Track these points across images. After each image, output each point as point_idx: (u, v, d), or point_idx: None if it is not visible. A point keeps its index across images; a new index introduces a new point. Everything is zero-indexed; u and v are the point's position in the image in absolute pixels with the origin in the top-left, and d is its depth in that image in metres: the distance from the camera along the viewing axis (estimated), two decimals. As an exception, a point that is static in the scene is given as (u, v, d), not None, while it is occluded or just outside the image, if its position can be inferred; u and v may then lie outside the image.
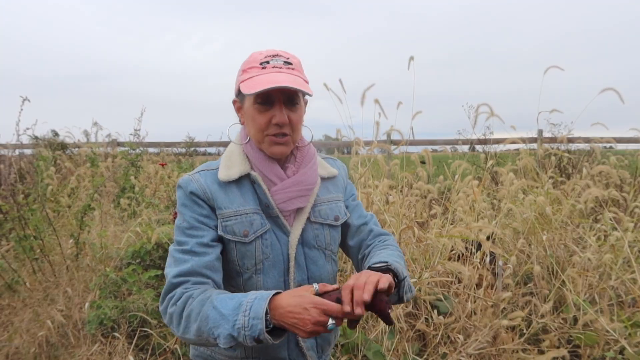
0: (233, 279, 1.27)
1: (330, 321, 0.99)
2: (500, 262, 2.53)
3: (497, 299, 2.45)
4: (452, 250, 2.56)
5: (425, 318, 2.44)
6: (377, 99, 2.72)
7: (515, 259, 2.63)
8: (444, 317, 2.40)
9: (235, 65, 1.34)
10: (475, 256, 2.54)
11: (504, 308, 2.49)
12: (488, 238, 2.62)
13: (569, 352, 2.28)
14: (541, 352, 2.40)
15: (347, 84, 2.83)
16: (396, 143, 3.27)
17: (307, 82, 1.23)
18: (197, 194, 1.23)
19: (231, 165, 1.27)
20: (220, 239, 1.23)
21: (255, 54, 1.24)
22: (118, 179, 5.13)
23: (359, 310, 1.00)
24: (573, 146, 6.26)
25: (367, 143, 3.11)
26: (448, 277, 2.44)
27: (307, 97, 1.30)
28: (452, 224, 2.83)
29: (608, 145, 5.81)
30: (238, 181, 1.26)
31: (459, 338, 2.29)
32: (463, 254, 2.56)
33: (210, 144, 8.04)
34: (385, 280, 1.04)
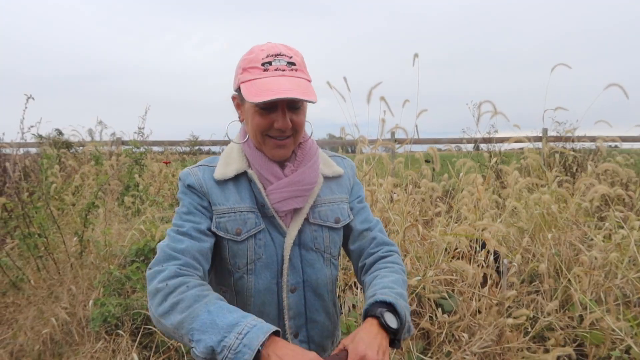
0: (224, 278, 1.25)
1: None
2: (505, 261, 2.52)
3: (502, 297, 2.44)
4: (456, 249, 2.54)
5: (430, 316, 2.42)
6: (383, 96, 2.71)
7: (520, 257, 2.61)
8: (449, 316, 2.38)
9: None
10: (479, 254, 2.52)
11: (509, 306, 2.47)
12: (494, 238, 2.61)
13: (574, 350, 2.26)
14: (546, 351, 2.39)
15: (349, 83, 2.82)
16: (400, 142, 3.26)
17: (310, 81, 1.20)
18: (194, 187, 1.22)
19: (229, 163, 1.25)
20: (214, 234, 1.21)
21: (256, 49, 1.19)
22: (122, 177, 5.13)
23: None
24: (578, 145, 6.22)
25: (372, 142, 3.10)
26: (452, 275, 2.43)
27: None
28: (456, 222, 2.81)
29: (613, 144, 5.77)
30: (236, 179, 1.24)
31: (463, 336, 2.27)
32: (467, 253, 2.55)
33: (214, 143, 8.05)
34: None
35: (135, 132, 5.86)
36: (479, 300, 2.44)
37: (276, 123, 1.16)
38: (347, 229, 1.36)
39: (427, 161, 3.53)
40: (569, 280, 2.65)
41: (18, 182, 4.26)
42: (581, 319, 2.58)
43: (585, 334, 2.47)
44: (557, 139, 6.38)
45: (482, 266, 2.52)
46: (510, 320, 2.26)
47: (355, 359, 1.00)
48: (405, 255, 2.42)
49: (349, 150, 6.42)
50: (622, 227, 3.06)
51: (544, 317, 2.48)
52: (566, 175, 4.64)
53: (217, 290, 1.24)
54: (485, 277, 2.51)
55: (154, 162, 5.97)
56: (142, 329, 2.84)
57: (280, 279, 1.25)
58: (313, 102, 1.14)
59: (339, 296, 2.60)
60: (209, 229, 1.19)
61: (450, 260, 2.39)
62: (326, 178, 1.33)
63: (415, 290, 2.33)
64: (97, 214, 3.92)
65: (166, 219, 3.93)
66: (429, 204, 3.54)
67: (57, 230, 3.67)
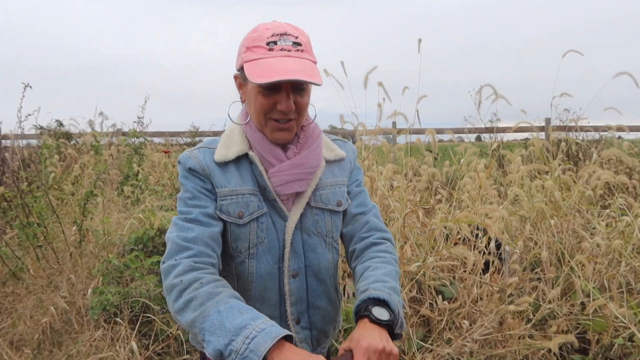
0: (226, 263, 1.22)
1: None
2: (507, 247, 2.49)
3: (503, 284, 2.41)
4: (457, 235, 2.51)
5: (430, 303, 2.40)
6: (381, 82, 2.66)
7: (522, 244, 2.58)
8: (449, 303, 2.36)
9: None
10: (481, 241, 2.49)
11: (511, 294, 2.45)
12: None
13: (576, 338, 2.23)
14: (548, 338, 2.36)
15: (353, 74, 2.77)
16: (401, 131, 3.21)
17: (315, 63, 1.16)
18: (196, 170, 1.18)
19: (230, 145, 1.22)
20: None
21: (261, 27, 1.15)
22: (122, 167, 5.12)
23: None
24: (582, 135, 6.17)
25: (370, 132, 3.05)
26: (453, 262, 2.40)
27: None
28: (458, 210, 2.78)
29: (617, 134, 5.72)
30: (237, 161, 1.21)
31: (464, 324, 2.25)
32: (469, 239, 2.51)
33: (215, 134, 8.02)
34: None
35: (134, 122, 5.82)
36: (480, 287, 2.41)
37: (279, 105, 1.13)
38: (342, 212, 1.32)
39: (428, 151, 3.50)
40: (572, 268, 2.62)
41: (17, 172, 4.25)
42: (583, 306, 2.55)
43: (587, 322, 2.44)
44: (561, 128, 6.32)
45: (484, 253, 2.49)
46: (511, 307, 2.23)
47: (361, 352, 0.98)
48: (405, 242, 2.39)
49: (349, 140, 6.35)
50: (626, 215, 3.02)
51: (546, 304, 2.45)
52: (569, 163, 4.60)
53: (220, 275, 1.23)
54: (486, 264, 2.48)
55: (155, 152, 5.95)
56: (140, 317, 2.83)
57: (281, 264, 1.22)
58: (319, 85, 1.11)
59: (339, 283, 2.58)
60: (216, 212, 1.16)
61: (452, 247, 2.36)
62: (328, 162, 1.30)
63: (415, 277, 2.30)
64: (96, 203, 3.90)
65: (165, 207, 3.91)
66: (430, 194, 3.52)
67: (56, 219, 3.65)
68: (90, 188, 3.37)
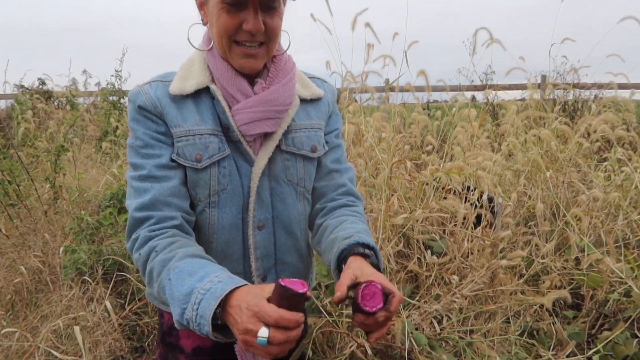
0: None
1: (262, 333, 0.74)
2: (500, 200, 2.34)
3: (495, 238, 2.28)
4: (448, 187, 2.36)
5: (418, 258, 2.27)
6: (368, 22, 2.44)
7: (516, 196, 2.44)
8: (438, 258, 2.22)
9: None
10: (472, 194, 2.34)
11: (503, 248, 2.32)
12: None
13: (570, 294, 2.12)
14: (541, 294, 2.26)
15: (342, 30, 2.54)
16: (393, 89, 3.00)
17: None
18: (147, 109, 1.01)
19: (188, 77, 1.03)
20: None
21: None
22: (100, 123, 4.90)
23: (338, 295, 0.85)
24: (580, 92, 5.96)
25: (362, 90, 2.85)
26: (443, 215, 2.26)
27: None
28: (449, 162, 2.62)
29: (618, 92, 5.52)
30: (196, 96, 1.03)
31: (454, 279, 2.13)
32: (460, 192, 2.37)
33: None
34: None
35: (111, 75, 5.55)
36: (471, 241, 2.28)
37: (245, 24, 0.95)
38: (317, 161, 1.16)
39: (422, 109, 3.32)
40: (566, 222, 2.50)
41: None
42: (578, 261, 2.44)
43: (582, 277, 2.33)
44: (558, 86, 6.11)
45: (475, 206, 2.35)
46: (503, 262, 2.10)
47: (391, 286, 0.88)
48: (392, 194, 2.23)
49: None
50: (623, 169, 2.89)
51: (539, 259, 2.33)
52: (566, 116, 4.43)
53: None
54: (478, 217, 2.34)
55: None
56: (115, 276, 2.70)
57: (246, 214, 1.06)
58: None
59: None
60: (175, 160, 1.01)
61: (442, 199, 2.21)
62: (303, 101, 1.12)
63: (402, 231, 2.16)
64: (69, 159, 3.71)
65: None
66: (421, 149, 3.36)
67: (28, 177, 3.48)
68: (61, 142, 3.17)
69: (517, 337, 2.05)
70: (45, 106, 5.02)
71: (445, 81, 3.13)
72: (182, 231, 1.00)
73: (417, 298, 2.17)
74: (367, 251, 0.97)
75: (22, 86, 7.30)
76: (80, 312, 2.60)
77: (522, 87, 5.74)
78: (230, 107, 1.03)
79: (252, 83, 1.04)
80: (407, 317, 1.90)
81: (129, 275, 2.66)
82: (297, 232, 1.14)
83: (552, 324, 2.18)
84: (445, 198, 2.39)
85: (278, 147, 1.07)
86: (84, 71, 7.81)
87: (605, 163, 3.14)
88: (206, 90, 1.04)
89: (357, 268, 0.91)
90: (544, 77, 6.49)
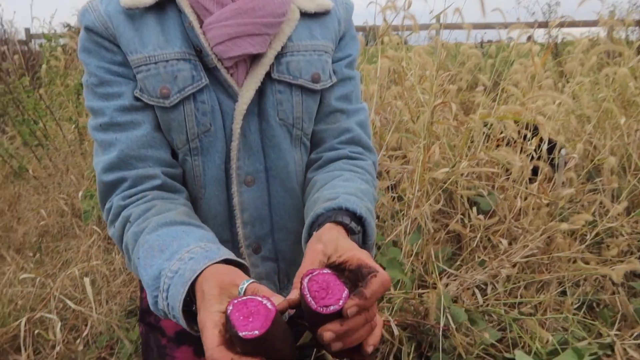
0: None
1: None
2: (563, 151, 1.99)
3: (555, 196, 1.94)
4: (501, 134, 2.02)
5: (462, 217, 1.98)
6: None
7: (582, 146, 2.07)
8: (485, 217, 1.92)
9: None
10: (530, 142, 1.99)
11: (563, 208, 1.99)
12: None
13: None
14: (604, 262, 1.94)
15: None
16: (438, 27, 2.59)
17: None
18: (97, 31, 0.75)
19: None
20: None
21: None
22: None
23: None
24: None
25: (396, 28, 2.45)
26: (494, 168, 1.94)
27: None
28: (504, 106, 2.25)
29: None
30: (158, 10, 0.77)
31: (502, 243, 1.83)
32: (515, 141, 2.02)
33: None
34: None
35: None
36: (525, 199, 1.96)
37: None
38: (320, 94, 0.87)
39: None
40: (640, 179, 2.13)
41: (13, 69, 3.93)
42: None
43: (657, 243, 1.99)
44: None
45: (532, 158, 2.01)
46: (564, 226, 1.78)
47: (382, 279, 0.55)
48: (433, 142, 1.92)
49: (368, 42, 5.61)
50: None
51: (605, 221, 1.99)
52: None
53: None
54: (534, 170, 2.00)
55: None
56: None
57: (228, 165, 0.81)
58: None
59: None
60: (137, 98, 0.77)
61: (492, 150, 1.88)
62: (305, 15, 0.82)
63: (443, 186, 1.86)
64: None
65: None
66: (471, 91, 2.98)
67: (52, 117, 3.38)
68: (79, 80, 3.01)
69: (573, 313, 1.76)
70: (75, 44, 4.87)
71: (502, 11, 2.68)
72: (167, 191, 0.78)
73: (458, 262, 1.90)
74: (353, 224, 0.70)
75: (68, 25, 7.19)
76: (95, 261, 2.50)
77: (592, 24, 5.08)
78: (201, 22, 0.76)
79: None
80: (445, 287, 1.64)
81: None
82: (296, 187, 0.87)
83: (615, 296, 1.88)
84: (498, 146, 2.05)
85: (269, 74, 0.80)
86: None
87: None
88: (171, 1, 0.77)
89: (330, 242, 0.63)
90: (611, 13, 5.75)
